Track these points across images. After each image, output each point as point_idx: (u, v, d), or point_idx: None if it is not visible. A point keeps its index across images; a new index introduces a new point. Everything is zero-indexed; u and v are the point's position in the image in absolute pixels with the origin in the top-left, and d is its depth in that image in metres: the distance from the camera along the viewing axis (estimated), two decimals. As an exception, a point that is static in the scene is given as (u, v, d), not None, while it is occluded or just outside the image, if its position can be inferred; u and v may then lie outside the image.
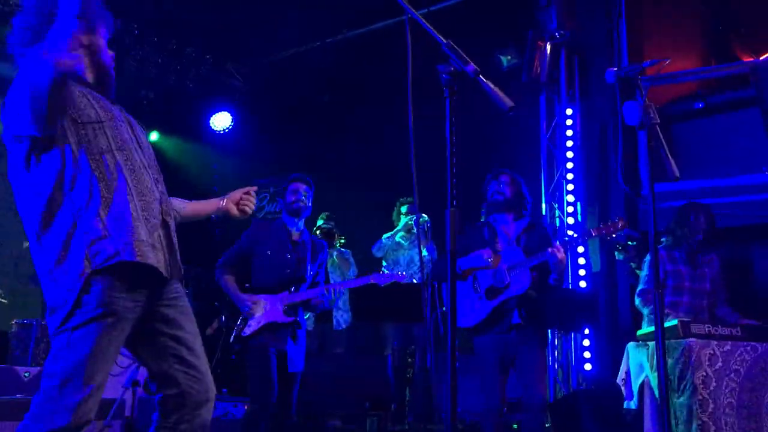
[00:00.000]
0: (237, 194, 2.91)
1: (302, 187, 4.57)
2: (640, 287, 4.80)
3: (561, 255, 3.98)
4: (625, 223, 4.01)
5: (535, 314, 4.15)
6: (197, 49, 8.56)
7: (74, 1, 2.26)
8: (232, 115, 9.20)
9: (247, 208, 2.91)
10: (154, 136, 9.11)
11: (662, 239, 4.88)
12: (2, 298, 6.41)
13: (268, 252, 4.47)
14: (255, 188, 2.94)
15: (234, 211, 2.89)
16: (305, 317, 4.65)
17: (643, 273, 4.82)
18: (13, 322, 5.73)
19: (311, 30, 8.26)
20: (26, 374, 5.04)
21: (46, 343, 5.56)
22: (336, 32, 8.32)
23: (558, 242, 4.03)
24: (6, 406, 4.38)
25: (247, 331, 4.33)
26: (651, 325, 4.44)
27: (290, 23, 7.90)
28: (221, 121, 9.19)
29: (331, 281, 7.31)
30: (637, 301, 4.76)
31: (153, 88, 8.39)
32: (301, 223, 4.60)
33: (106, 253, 2.24)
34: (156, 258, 2.34)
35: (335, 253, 6.71)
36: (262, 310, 4.33)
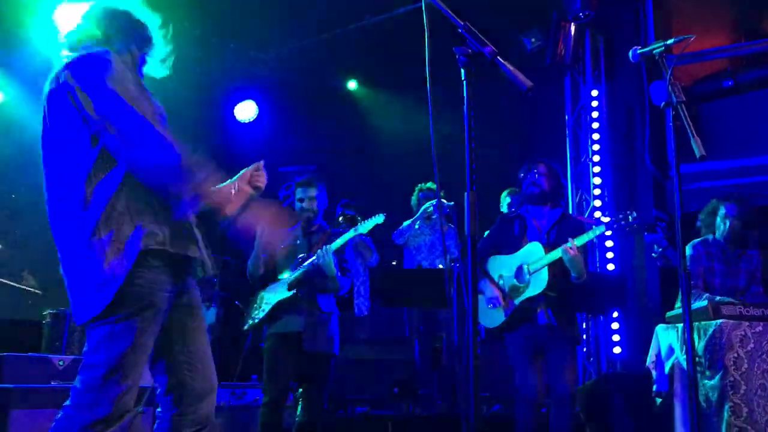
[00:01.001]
0: (246, 173, 2.88)
1: (309, 192, 4.54)
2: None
3: (573, 252, 3.85)
4: (635, 216, 3.89)
5: (562, 313, 4.08)
6: (221, 38, 8.59)
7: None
8: (257, 104, 9.23)
9: (260, 184, 2.88)
10: (180, 127, 9.17)
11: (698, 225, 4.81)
12: (36, 289, 6.54)
13: (282, 245, 4.51)
14: (262, 162, 2.90)
15: (249, 190, 2.87)
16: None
17: (687, 254, 4.73)
18: (47, 312, 5.84)
19: (333, 16, 8.23)
20: (60, 363, 5.14)
21: (79, 332, 5.66)
22: (358, 18, 8.29)
23: (570, 240, 3.90)
24: (42, 394, 4.47)
25: (260, 314, 4.34)
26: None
27: (312, 10, 7.89)
28: (246, 109, 9.22)
29: (352, 269, 7.30)
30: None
31: (178, 78, 8.43)
32: (318, 218, 4.59)
33: (155, 238, 2.28)
34: (192, 250, 2.40)
35: (357, 240, 6.70)
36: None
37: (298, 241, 4.50)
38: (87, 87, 2.30)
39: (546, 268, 3.98)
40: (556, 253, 3.93)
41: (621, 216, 3.92)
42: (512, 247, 4.22)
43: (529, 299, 4.05)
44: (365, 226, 4.45)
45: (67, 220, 2.34)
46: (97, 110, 2.27)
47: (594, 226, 3.98)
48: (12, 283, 6.34)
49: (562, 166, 7.56)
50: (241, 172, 2.90)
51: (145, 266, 2.26)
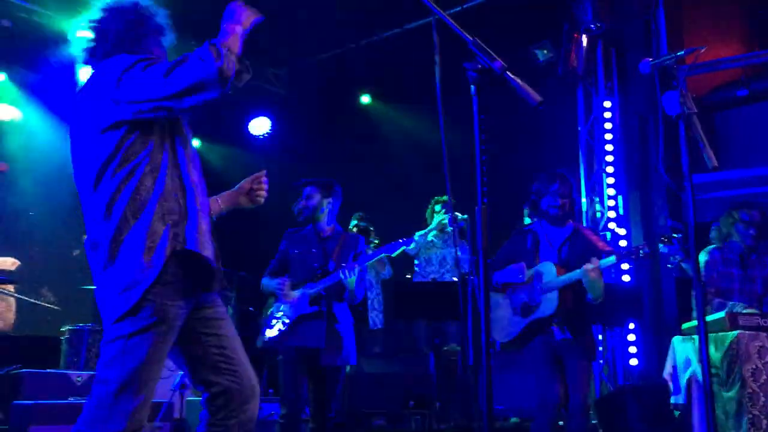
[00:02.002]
0: (246, 184, 2.84)
1: (305, 191, 4.56)
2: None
3: (594, 275, 3.75)
4: (647, 252, 3.83)
5: (578, 328, 4.01)
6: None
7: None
8: (271, 120, 9.30)
9: (259, 198, 2.84)
10: (195, 143, 9.27)
11: (710, 236, 4.79)
12: (54, 305, 6.60)
13: (297, 251, 4.52)
14: (264, 172, 2.80)
15: (244, 202, 2.85)
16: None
17: (702, 259, 4.71)
18: (66, 328, 5.89)
19: (345, 32, 8.30)
20: (78, 379, 5.18)
21: (97, 348, 5.71)
22: (370, 33, 8.35)
23: (594, 259, 3.80)
24: (60, 409, 4.52)
25: (283, 328, 4.35)
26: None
27: (325, 26, 7.96)
28: (260, 125, 9.29)
29: (366, 281, 7.31)
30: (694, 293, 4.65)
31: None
32: (327, 223, 4.59)
33: (182, 237, 2.32)
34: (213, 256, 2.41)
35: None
36: (293, 294, 4.36)
37: (314, 250, 4.51)
38: (114, 80, 2.33)
39: (557, 291, 3.94)
40: (568, 277, 3.88)
41: (633, 249, 3.85)
42: (525, 262, 4.19)
43: (536, 320, 4.02)
44: (395, 250, 4.51)
45: (97, 222, 2.35)
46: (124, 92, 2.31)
47: (605, 257, 3.89)
48: (31, 300, 6.40)
49: (575, 177, 7.55)
50: (240, 183, 2.85)
51: (159, 282, 2.27)
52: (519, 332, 4.08)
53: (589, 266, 3.78)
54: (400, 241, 4.55)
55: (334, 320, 4.37)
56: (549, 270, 4.02)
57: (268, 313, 4.49)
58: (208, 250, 2.39)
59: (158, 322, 2.26)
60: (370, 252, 4.56)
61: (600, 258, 3.83)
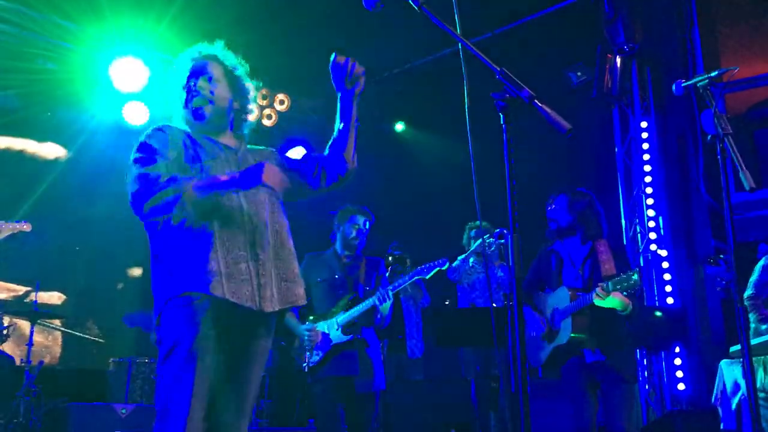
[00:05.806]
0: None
1: (361, 219, 4.54)
2: (747, 292, 4.58)
3: (601, 299, 3.70)
4: (636, 280, 3.69)
5: (611, 350, 3.89)
6: (271, 87, 8.85)
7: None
8: (306, 149, 9.42)
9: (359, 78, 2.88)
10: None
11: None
12: (99, 338, 6.73)
13: (319, 279, 4.49)
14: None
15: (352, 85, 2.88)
16: (380, 341, 4.59)
17: (752, 278, 4.61)
18: (110, 361, 5.99)
19: (379, 61, 8.39)
20: (123, 411, 5.25)
21: (141, 380, 5.79)
22: (403, 62, 8.43)
23: (602, 285, 3.73)
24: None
25: (315, 359, 4.32)
26: (755, 334, 4.24)
27: (357, 56, 8.04)
28: (297, 155, 9.40)
29: (404, 309, 7.27)
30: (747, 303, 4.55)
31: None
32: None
33: (178, 285, 2.37)
34: (232, 289, 2.38)
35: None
36: (320, 337, 4.34)
37: (337, 275, 4.48)
38: None
39: (570, 317, 3.86)
40: (576, 303, 3.83)
41: (624, 276, 3.72)
42: (551, 283, 4.15)
43: (558, 346, 3.94)
44: (429, 272, 4.48)
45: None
46: None
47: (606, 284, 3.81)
48: (77, 333, 6.54)
49: (614, 200, 7.45)
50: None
51: (177, 305, 2.34)
52: (547, 357, 4.02)
53: (596, 291, 3.74)
54: (435, 262, 4.51)
55: (365, 345, 4.36)
56: (563, 295, 3.96)
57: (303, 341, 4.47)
58: (222, 289, 2.37)
59: (177, 347, 2.33)
60: (406, 276, 4.52)
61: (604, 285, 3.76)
